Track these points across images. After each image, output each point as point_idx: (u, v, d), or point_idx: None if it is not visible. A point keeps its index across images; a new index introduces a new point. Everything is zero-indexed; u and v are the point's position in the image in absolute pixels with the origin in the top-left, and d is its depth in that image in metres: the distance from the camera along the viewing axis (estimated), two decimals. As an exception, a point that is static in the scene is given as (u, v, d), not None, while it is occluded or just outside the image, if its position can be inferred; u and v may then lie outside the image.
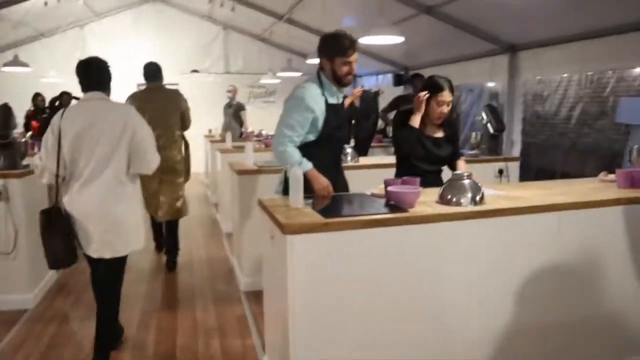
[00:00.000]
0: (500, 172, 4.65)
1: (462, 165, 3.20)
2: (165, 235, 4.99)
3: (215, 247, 5.65)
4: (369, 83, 10.71)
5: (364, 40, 4.59)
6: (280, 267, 2.23)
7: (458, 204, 2.39)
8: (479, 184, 2.47)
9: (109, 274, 2.98)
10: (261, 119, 11.47)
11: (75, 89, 2.97)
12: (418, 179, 2.65)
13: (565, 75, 8.12)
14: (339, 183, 3.07)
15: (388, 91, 8.61)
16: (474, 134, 5.30)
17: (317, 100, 2.89)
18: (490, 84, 10.35)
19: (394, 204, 2.38)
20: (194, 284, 4.48)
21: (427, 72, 8.00)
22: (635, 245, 2.67)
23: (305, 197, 2.46)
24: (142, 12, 11.12)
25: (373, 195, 2.67)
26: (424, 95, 3.01)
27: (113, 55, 10.11)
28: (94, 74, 2.89)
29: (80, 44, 10.75)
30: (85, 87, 2.89)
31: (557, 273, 2.54)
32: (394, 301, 2.27)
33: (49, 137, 2.80)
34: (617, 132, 9.18)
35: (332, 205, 2.59)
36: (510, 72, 6.37)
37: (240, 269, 4.39)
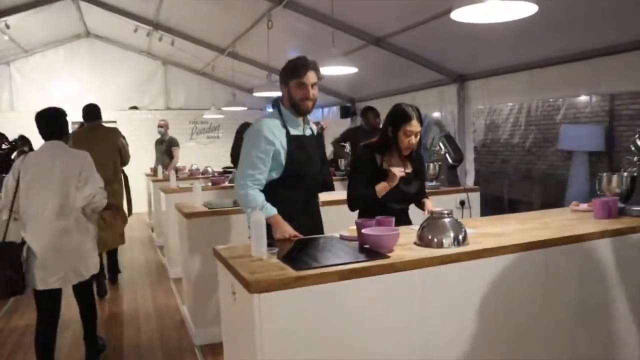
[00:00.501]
0: (462, 203, 4.51)
1: (429, 205, 2.98)
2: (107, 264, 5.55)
3: (163, 295, 5.20)
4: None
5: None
6: (245, 328, 1.91)
7: (440, 245, 2.16)
8: (461, 222, 2.25)
9: (81, 295, 3.41)
10: (205, 155, 11.18)
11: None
12: (393, 219, 2.41)
13: (512, 104, 8.25)
14: (314, 226, 2.81)
15: (334, 124, 8.50)
16: (432, 165, 5.17)
17: (275, 131, 2.65)
18: (436, 114, 10.46)
19: (371, 249, 2.11)
20: (141, 340, 4.04)
21: (373, 104, 8.05)
22: (624, 277, 2.51)
23: (269, 245, 2.16)
24: (75, 47, 10.57)
25: (343, 237, 2.40)
26: (399, 172, 2.77)
27: (45, 92, 9.93)
28: (52, 124, 3.24)
29: (7, 82, 10.15)
30: (45, 136, 3.24)
31: (547, 312, 2.34)
32: (378, 355, 1.99)
33: (9, 179, 3.11)
34: (562, 159, 9.41)
35: (300, 253, 2.30)
36: (459, 102, 6.35)
37: (192, 320, 3.99)
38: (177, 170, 7.62)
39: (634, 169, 3.06)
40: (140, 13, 7.88)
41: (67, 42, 10.45)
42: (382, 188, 2.79)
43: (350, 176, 2.98)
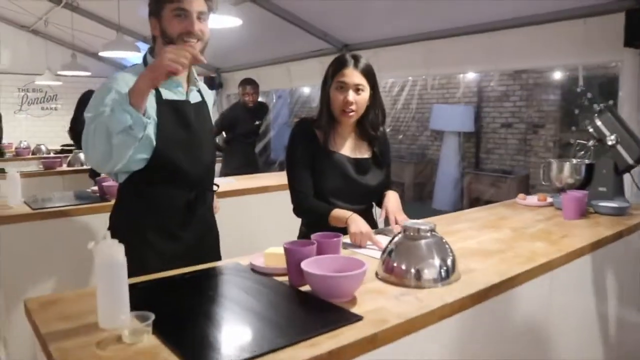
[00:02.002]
0: None
1: (393, 199, 2.04)
2: None
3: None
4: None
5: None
6: None
7: (419, 280, 1.39)
8: (445, 242, 1.50)
9: None
10: (40, 129, 9.37)
11: None
12: (340, 239, 1.58)
13: (406, 79, 7.81)
14: (205, 249, 1.90)
15: None
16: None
17: None
18: (306, 89, 9.79)
19: (314, 295, 1.28)
20: None
21: (242, 75, 7.03)
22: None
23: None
24: None
25: (256, 269, 1.53)
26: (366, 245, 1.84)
27: None
28: None
29: None
30: None
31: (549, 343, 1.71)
32: None
33: None
34: (432, 139, 9.30)
35: (187, 320, 1.26)
36: None
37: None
38: (-2, 149, 6.04)
39: (586, 154, 2.59)
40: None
41: None
42: (336, 219, 1.91)
43: (289, 167, 2.06)
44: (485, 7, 4.03)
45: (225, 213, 2.21)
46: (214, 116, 2.12)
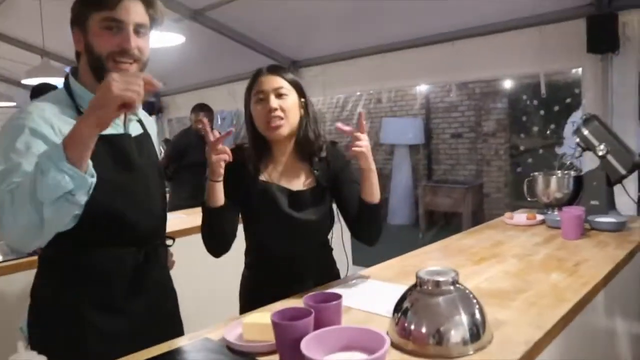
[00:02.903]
0: None
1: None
2: None
3: None
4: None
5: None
6: None
7: (443, 343, 1.09)
8: (471, 294, 1.20)
9: None
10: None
11: None
12: (341, 301, 1.20)
13: (357, 94, 7.62)
14: (159, 318, 1.48)
15: None
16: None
17: (56, 122, 1.28)
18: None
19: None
20: None
21: (184, 98, 6.68)
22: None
23: None
24: None
25: (231, 347, 1.19)
26: None
27: None
28: None
29: None
30: None
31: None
32: None
33: None
34: (383, 153, 9.14)
35: None
36: None
37: None
38: None
39: (572, 166, 2.41)
40: None
41: None
42: (210, 190, 1.53)
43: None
44: (442, 18, 3.89)
45: (178, 262, 1.81)
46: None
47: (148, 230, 1.44)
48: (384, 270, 1.79)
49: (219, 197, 1.51)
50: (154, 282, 1.47)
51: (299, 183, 1.68)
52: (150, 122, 1.62)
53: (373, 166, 1.55)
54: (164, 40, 3.63)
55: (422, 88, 7.65)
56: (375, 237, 1.65)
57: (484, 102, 7.82)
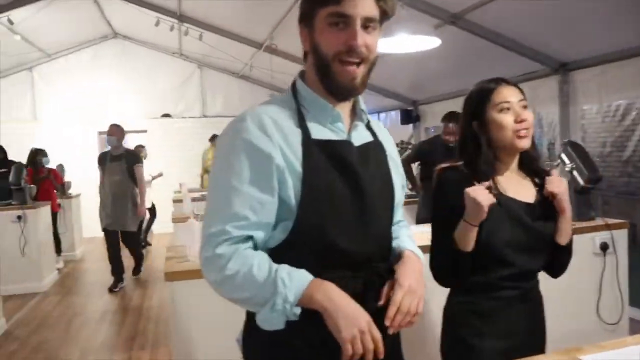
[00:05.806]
0: (604, 247, 2.89)
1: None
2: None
3: None
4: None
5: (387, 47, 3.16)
6: None
7: None
8: None
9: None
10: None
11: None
12: None
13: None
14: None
15: (394, 132, 6.69)
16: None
17: (276, 132, 1.17)
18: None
19: None
20: None
21: (442, 106, 5.97)
22: None
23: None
24: (101, 49, 9.52)
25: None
26: (482, 192, 1.42)
27: (69, 100, 9.17)
28: None
29: (30, 89, 9.25)
30: None
31: None
32: None
33: None
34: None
35: None
36: (561, 99, 4.81)
37: None
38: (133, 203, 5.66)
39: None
40: (162, 4, 6.79)
41: (92, 44, 9.46)
42: (461, 234, 1.47)
43: (433, 229, 1.58)
44: None
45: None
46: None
47: (364, 256, 1.22)
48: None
49: (472, 242, 1.46)
50: (372, 309, 1.18)
51: (529, 194, 1.58)
52: (383, 132, 1.40)
53: (569, 210, 1.56)
54: (421, 44, 3.55)
55: None
56: (559, 274, 1.68)
57: None
